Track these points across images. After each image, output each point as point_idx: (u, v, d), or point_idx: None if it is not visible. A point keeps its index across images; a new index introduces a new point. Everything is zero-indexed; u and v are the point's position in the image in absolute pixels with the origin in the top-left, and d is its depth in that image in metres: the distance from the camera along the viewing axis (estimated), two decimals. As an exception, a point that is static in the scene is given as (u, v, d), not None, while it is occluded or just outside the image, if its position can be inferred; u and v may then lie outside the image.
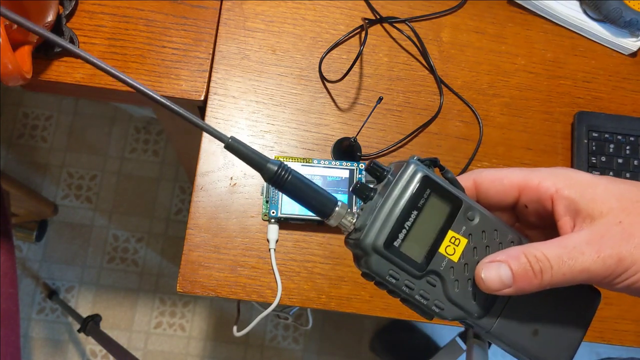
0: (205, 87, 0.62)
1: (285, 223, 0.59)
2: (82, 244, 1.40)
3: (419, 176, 0.31)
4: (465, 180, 0.35)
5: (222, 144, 0.30)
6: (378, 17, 0.67)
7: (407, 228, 0.31)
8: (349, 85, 0.65)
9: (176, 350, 1.36)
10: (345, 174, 0.58)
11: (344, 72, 0.61)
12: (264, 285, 0.58)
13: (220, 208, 0.59)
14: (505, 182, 0.34)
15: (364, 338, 1.39)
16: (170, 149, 1.47)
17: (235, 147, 0.31)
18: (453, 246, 0.32)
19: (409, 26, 0.67)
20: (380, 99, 0.60)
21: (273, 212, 0.57)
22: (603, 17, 0.69)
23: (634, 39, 0.70)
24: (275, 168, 0.31)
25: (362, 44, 0.64)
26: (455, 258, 0.32)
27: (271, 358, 1.37)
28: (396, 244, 0.31)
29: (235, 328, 0.63)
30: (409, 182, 0.31)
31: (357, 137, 0.61)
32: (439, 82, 0.66)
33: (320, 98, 0.64)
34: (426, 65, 0.67)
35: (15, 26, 0.51)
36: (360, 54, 0.62)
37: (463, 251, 0.32)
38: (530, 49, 0.69)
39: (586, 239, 0.30)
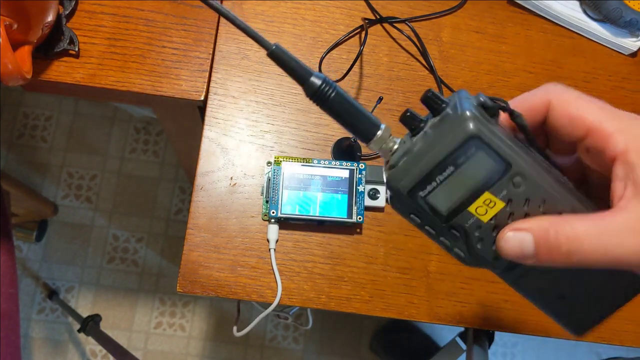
0: (205, 87, 0.62)
1: (285, 223, 0.59)
2: (82, 244, 1.40)
3: (465, 136, 0.27)
4: (539, 96, 0.31)
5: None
6: (378, 17, 0.67)
7: (438, 182, 0.28)
8: (349, 85, 0.65)
9: (176, 350, 1.36)
10: (345, 174, 0.58)
11: (344, 72, 0.61)
12: (264, 285, 0.58)
13: (220, 208, 0.59)
14: (579, 120, 0.29)
15: (364, 338, 1.39)
16: (170, 149, 1.47)
17: (278, 55, 0.29)
18: (486, 207, 0.29)
19: (409, 26, 0.67)
20: (380, 99, 0.60)
21: (273, 212, 0.57)
22: (603, 17, 0.69)
23: (634, 39, 0.70)
24: (319, 83, 0.29)
25: (362, 44, 0.64)
26: (485, 219, 0.29)
27: (271, 358, 1.37)
28: (422, 194, 0.29)
29: (235, 328, 0.63)
30: (454, 137, 0.28)
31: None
32: (439, 82, 0.66)
33: (320, 98, 0.64)
34: (426, 65, 0.67)
35: (16, 26, 0.51)
36: (360, 54, 0.62)
37: (496, 214, 0.29)
38: (530, 49, 0.69)
39: (632, 227, 0.27)
